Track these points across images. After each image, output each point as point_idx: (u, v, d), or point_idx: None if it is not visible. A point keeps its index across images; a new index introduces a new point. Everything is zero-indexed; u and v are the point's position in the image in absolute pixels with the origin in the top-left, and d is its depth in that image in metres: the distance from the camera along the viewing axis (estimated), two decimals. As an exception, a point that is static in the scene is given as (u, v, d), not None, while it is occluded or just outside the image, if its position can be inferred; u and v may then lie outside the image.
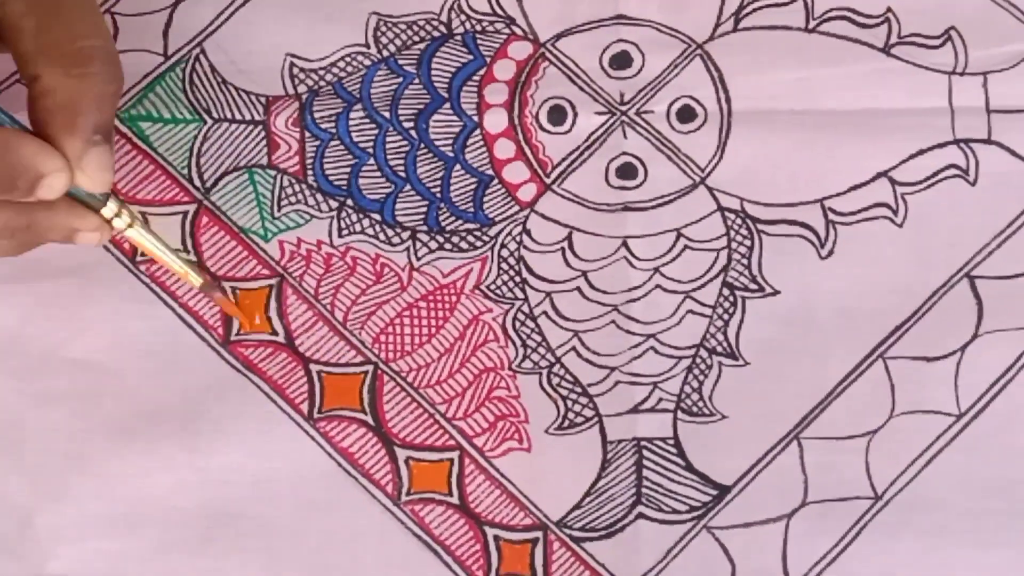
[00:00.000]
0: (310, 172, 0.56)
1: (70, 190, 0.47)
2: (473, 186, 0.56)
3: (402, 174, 0.56)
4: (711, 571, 0.53)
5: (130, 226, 0.51)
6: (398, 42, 0.57)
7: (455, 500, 0.54)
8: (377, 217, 0.56)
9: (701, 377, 0.54)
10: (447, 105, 0.56)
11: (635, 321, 0.55)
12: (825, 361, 0.54)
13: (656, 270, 0.55)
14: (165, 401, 0.54)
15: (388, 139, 0.56)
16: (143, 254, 0.55)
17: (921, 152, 0.56)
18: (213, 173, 0.56)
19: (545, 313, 0.55)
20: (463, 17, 0.57)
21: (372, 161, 0.56)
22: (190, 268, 0.53)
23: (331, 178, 0.56)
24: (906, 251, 0.55)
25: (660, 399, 0.54)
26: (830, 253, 0.55)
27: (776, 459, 0.54)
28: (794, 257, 0.55)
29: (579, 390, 0.54)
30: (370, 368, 0.54)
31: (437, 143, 0.56)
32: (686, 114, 0.56)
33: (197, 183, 0.56)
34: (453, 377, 0.54)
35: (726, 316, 0.55)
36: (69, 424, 0.54)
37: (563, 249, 0.55)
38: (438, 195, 0.56)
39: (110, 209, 0.50)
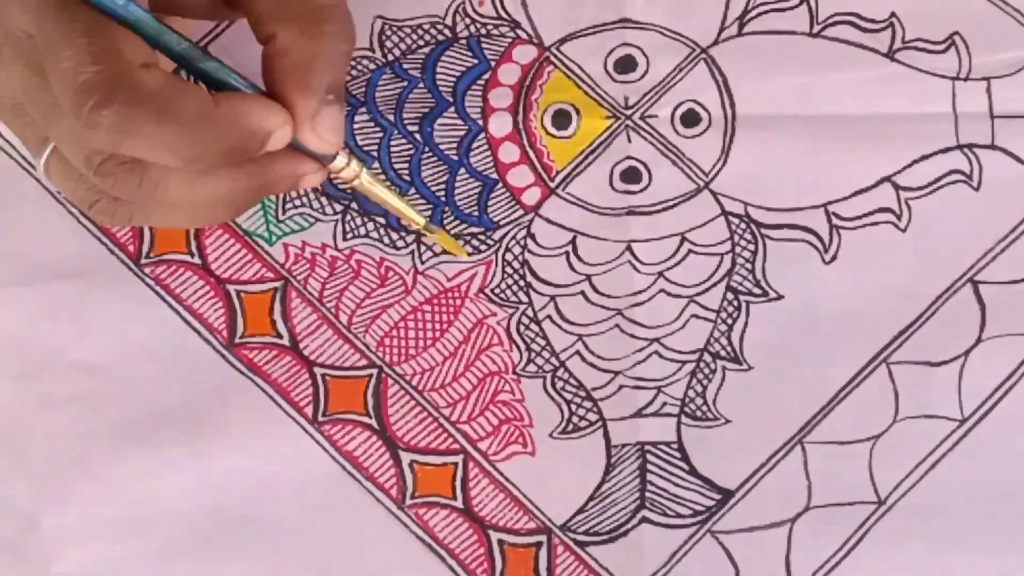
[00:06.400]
0: (315, 175, 0.56)
1: (298, 144, 0.46)
2: (477, 190, 0.56)
3: (406, 178, 0.56)
4: None
5: (357, 176, 0.49)
6: (403, 46, 0.57)
7: (459, 504, 0.54)
8: (381, 220, 0.56)
9: (705, 381, 0.54)
10: (451, 109, 0.56)
11: (639, 325, 0.55)
12: (828, 366, 0.55)
13: (660, 274, 0.55)
14: (169, 404, 0.54)
15: (392, 142, 0.56)
16: (147, 256, 0.55)
17: (925, 157, 0.56)
18: (218, 176, 0.56)
19: (549, 317, 0.55)
20: (468, 21, 0.57)
21: (376, 164, 0.56)
22: (414, 211, 0.52)
23: (335, 181, 0.56)
24: (910, 256, 0.55)
25: (664, 403, 0.54)
26: (834, 258, 0.55)
27: (780, 464, 0.54)
28: (798, 262, 0.55)
29: (583, 394, 0.54)
30: (374, 371, 0.55)
31: (441, 147, 0.56)
32: (690, 118, 0.56)
33: (202, 186, 0.56)
34: (457, 381, 0.55)
35: (730, 320, 0.55)
36: (73, 427, 0.54)
37: (567, 253, 0.55)
38: (442, 199, 0.56)
39: (339, 161, 0.48)
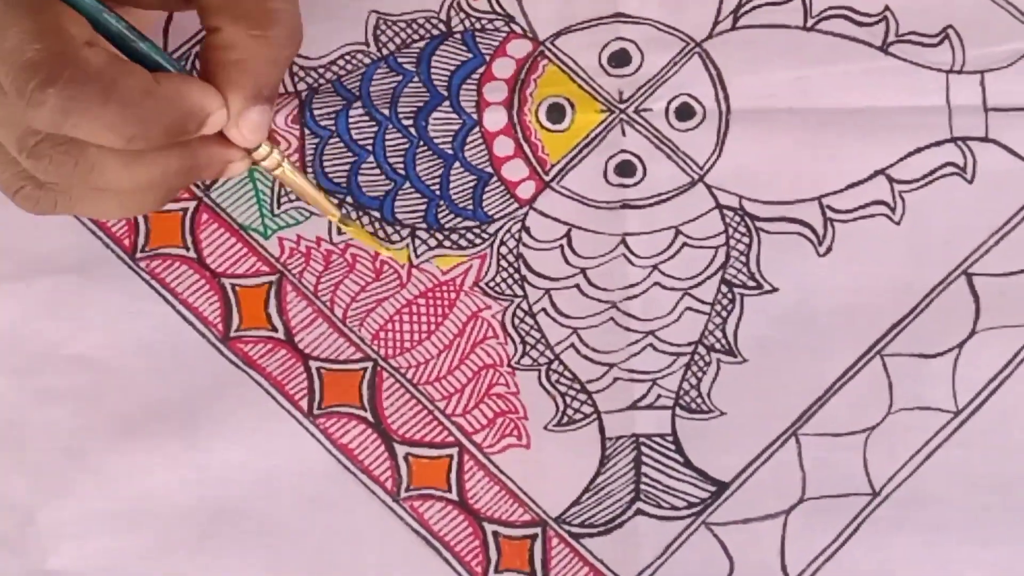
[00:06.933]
0: (310, 169, 0.56)
1: None
2: (472, 184, 0.56)
3: (401, 171, 0.56)
4: (709, 567, 0.53)
5: (279, 165, 0.49)
6: (397, 40, 0.57)
7: (454, 496, 0.54)
8: (376, 214, 0.56)
9: (700, 374, 0.55)
10: (446, 103, 0.56)
11: (634, 318, 0.55)
12: (823, 358, 0.55)
13: (655, 267, 0.55)
14: (165, 398, 0.54)
15: (387, 137, 0.56)
16: (143, 250, 0.55)
17: (919, 150, 0.56)
18: (213, 170, 0.56)
19: (544, 310, 0.55)
20: (462, 15, 0.57)
21: (371, 158, 0.56)
22: (330, 203, 0.52)
23: (331, 175, 0.56)
24: (904, 248, 0.55)
25: (659, 396, 0.54)
26: (828, 251, 0.55)
27: (774, 455, 0.54)
28: (792, 255, 0.55)
29: (578, 387, 0.55)
30: (369, 365, 0.55)
31: (436, 141, 0.56)
32: (685, 112, 0.56)
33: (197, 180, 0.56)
34: (452, 374, 0.55)
35: (724, 313, 0.55)
36: (70, 421, 0.54)
37: (562, 246, 0.56)
38: (437, 192, 0.56)
39: (262, 151, 0.48)
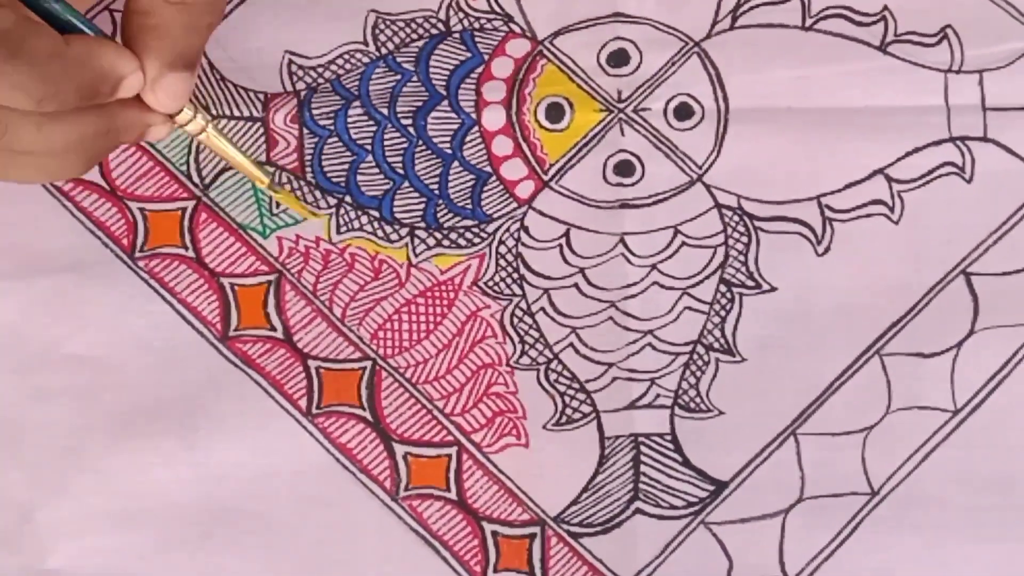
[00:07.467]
0: (308, 169, 0.56)
1: None
2: (471, 183, 0.56)
3: (400, 171, 0.56)
4: (708, 566, 0.53)
5: (203, 130, 0.50)
6: (396, 40, 0.57)
7: (453, 496, 0.54)
8: (375, 214, 0.56)
9: (698, 373, 0.55)
10: (445, 102, 0.56)
11: (632, 318, 0.55)
12: (822, 357, 0.55)
13: (653, 267, 0.55)
14: (164, 397, 0.54)
15: (386, 136, 0.56)
16: (142, 249, 0.55)
17: (917, 150, 0.56)
18: (212, 170, 0.56)
19: (543, 309, 0.55)
20: (461, 15, 0.57)
21: (370, 158, 0.56)
22: (258, 169, 0.52)
23: (329, 175, 0.56)
24: (902, 248, 0.56)
25: (657, 395, 0.54)
26: (827, 250, 0.55)
27: (773, 455, 0.54)
28: (791, 254, 0.55)
29: (577, 386, 0.55)
30: (368, 364, 0.55)
31: (435, 140, 0.56)
32: (683, 112, 0.56)
33: (196, 180, 0.56)
34: (451, 373, 0.55)
35: (723, 313, 0.55)
36: (68, 420, 0.54)
37: (561, 246, 0.56)
38: (436, 192, 0.56)
39: (185, 115, 0.49)
